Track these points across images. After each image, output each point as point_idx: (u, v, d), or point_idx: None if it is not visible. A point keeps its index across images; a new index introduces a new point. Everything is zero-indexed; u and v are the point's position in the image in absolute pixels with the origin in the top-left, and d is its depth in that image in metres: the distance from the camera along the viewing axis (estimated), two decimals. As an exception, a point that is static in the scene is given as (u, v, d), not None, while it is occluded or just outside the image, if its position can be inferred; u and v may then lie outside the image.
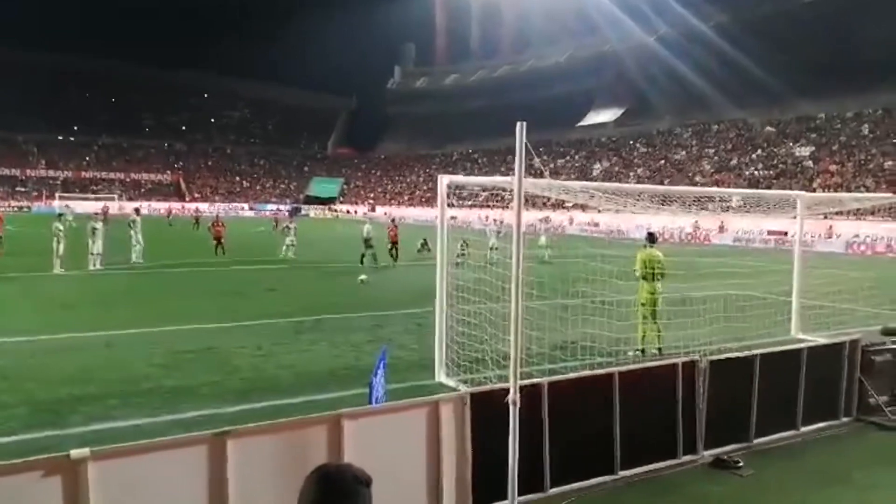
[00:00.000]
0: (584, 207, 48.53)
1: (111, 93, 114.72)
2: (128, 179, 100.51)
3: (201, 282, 20.12)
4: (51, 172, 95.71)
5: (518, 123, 5.06)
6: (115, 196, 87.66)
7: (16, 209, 75.14)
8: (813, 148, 59.15)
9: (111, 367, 9.61)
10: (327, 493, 1.60)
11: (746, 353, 7.46)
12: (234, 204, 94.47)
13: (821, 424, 7.75)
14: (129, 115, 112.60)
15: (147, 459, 4.32)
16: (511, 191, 5.27)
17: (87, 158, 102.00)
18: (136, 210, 26.84)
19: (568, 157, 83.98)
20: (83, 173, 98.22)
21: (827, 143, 58.60)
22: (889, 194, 28.69)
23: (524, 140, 5.11)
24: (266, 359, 10.29)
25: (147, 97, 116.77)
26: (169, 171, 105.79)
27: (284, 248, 28.08)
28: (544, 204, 54.29)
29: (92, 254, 21.94)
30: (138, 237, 24.34)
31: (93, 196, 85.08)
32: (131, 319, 13.19)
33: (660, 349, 10.63)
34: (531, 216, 52.69)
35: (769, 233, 45.11)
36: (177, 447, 4.46)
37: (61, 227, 20.87)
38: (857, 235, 42.40)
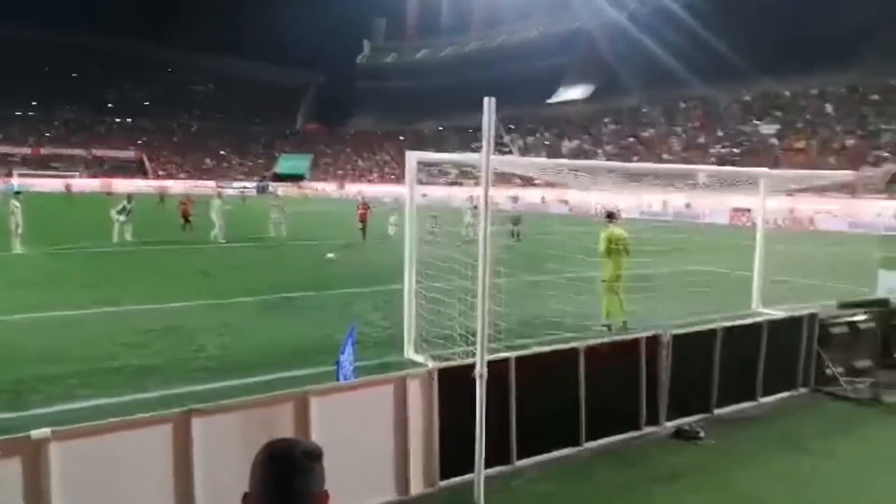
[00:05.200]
0: (552, 185, 48.66)
1: (72, 66, 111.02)
2: (89, 156, 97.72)
3: (168, 260, 19.80)
4: (8, 149, 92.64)
5: (486, 99, 5.01)
6: (77, 173, 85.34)
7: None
8: (778, 126, 59.98)
9: (74, 346, 9.44)
10: (278, 472, 1.53)
11: (708, 326, 7.63)
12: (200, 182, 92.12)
13: (780, 395, 7.97)
14: (90, 89, 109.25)
15: (111, 439, 4.27)
16: (479, 167, 5.25)
17: (47, 134, 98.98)
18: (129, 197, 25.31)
19: (538, 135, 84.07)
20: (42, 150, 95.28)
21: (792, 121, 59.47)
22: (849, 171, 29.25)
23: (494, 116, 5.08)
24: (233, 337, 10.20)
25: (109, 71, 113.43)
26: (132, 148, 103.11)
27: (272, 225, 28.07)
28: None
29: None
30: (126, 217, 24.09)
31: (51, 173, 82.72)
32: (95, 298, 12.94)
33: (625, 323, 10.81)
34: (500, 193, 52.63)
35: (734, 209, 45.70)
36: (141, 426, 4.41)
37: (18, 205, 20.25)
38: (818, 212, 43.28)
